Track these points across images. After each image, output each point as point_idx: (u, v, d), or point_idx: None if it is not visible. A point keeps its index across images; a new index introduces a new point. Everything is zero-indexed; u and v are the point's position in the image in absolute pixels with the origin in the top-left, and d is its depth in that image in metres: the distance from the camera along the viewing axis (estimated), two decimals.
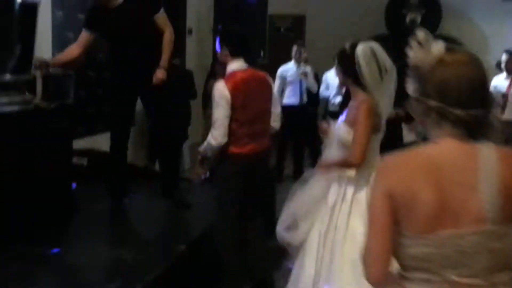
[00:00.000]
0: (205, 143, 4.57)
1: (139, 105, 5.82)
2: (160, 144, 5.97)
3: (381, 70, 3.76)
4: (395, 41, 11.16)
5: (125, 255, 4.44)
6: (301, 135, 9.18)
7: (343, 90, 7.52)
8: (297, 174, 8.77)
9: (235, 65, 4.63)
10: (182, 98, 8.29)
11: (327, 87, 9.33)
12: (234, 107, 4.47)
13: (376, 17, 12.42)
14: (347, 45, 3.94)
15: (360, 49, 3.77)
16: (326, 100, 9.35)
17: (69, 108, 4.98)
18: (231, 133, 4.49)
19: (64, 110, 4.93)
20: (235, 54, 4.63)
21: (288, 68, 9.15)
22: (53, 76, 4.91)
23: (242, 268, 4.68)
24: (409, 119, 5.39)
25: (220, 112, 4.44)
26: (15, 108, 4.48)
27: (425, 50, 1.90)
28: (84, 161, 6.42)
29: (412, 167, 1.89)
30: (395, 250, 1.92)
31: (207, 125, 8.09)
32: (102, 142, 6.75)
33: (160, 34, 5.48)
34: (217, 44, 4.72)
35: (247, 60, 4.72)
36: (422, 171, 1.86)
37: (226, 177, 4.62)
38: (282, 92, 8.95)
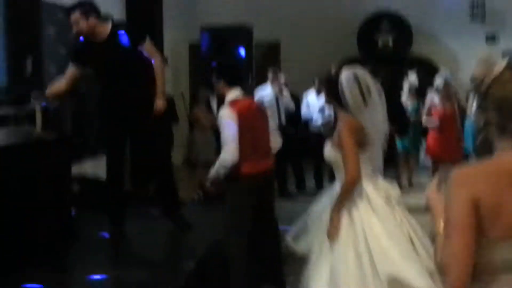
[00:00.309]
0: (217, 164, 4.76)
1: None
2: (156, 169, 5.97)
3: (363, 95, 3.94)
4: (368, 64, 11.51)
5: (134, 277, 4.47)
6: (282, 155, 9.30)
7: (330, 110, 7.68)
8: (282, 192, 9.05)
9: (234, 94, 4.92)
10: (167, 123, 8.41)
11: (308, 107, 9.52)
12: (241, 130, 4.74)
13: (349, 40, 12.71)
14: (332, 70, 4.14)
15: (344, 74, 3.98)
16: (307, 120, 9.52)
17: (67, 138, 5.04)
18: (240, 155, 4.73)
19: (63, 140, 4.98)
20: (232, 85, 4.92)
21: (265, 92, 9.29)
22: (51, 108, 4.97)
23: (253, 281, 4.78)
24: (400, 131, 5.57)
25: (230, 131, 4.70)
26: (16, 140, 4.51)
27: (488, 67, 2.04)
28: (76, 188, 6.44)
29: (495, 176, 1.98)
30: (477, 255, 1.97)
31: (192, 147, 8.23)
32: (88, 168, 6.80)
33: (146, 63, 5.57)
34: (214, 77, 4.98)
35: (242, 89, 5.03)
36: (504, 179, 1.96)
37: (241, 194, 4.82)
38: None
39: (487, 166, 2.03)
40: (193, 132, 8.56)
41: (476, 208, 1.94)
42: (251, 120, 4.84)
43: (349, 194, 3.85)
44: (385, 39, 12.69)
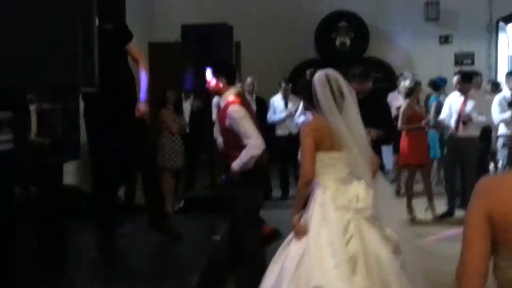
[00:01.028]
0: (243, 158, 4.85)
1: (83, 137, 5.74)
2: (143, 178, 5.86)
3: (335, 96, 3.96)
4: (325, 64, 11.52)
5: None
6: None
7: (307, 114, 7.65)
8: None
9: (233, 91, 5.07)
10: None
11: (274, 112, 9.49)
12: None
13: (307, 41, 12.75)
14: (307, 73, 4.18)
15: (316, 76, 4.02)
16: (274, 124, 9.49)
17: (59, 142, 4.87)
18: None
19: (55, 145, 4.81)
20: (231, 83, 5.08)
21: None
22: (45, 111, 4.79)
23: None
24: (387, 140, 5.60)
25: (250, 123, 4.87)
26: (10, 146, 4.33)
27: None
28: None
29: (510, 189, 1.93)
30: (492, 272, 1.96)
31: (158, 153, 8.06)
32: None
33: (127, 67, 5.45)
34: (211, 75, 5.07)
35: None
36: None
37: (256, 183, 5.09)
38: None
39: (507, 177, 2.00)
40: (160, 137, 8.38)
41: (489, 222, 1.93)
42: (251, 113, 5.09)
43: (302, 193, 3.94)
44: (343, 40, 12.78)
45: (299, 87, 4.29)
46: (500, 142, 8.42)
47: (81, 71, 2.46)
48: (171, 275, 4.78)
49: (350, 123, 4.00)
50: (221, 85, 5.04)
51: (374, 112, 5.36)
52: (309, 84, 4.03)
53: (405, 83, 8.59)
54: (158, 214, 5.70)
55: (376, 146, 5.40)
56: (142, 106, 5.39)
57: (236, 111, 4.87)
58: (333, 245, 3.70)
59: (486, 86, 10.08)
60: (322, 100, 3.95)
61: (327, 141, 3.94)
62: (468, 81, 8.08)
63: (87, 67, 2.80)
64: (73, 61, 2.46)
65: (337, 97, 3.95)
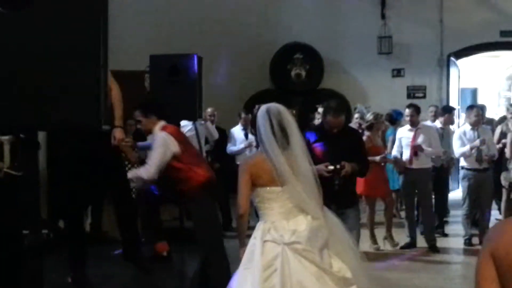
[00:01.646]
0: (135, 173, 5.37)
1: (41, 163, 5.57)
2: (118, 209, 5.65)
3: (274, 130, 3.94)
4: (280, 95, 11.67)
5: None
6: None
7: None
8: None
9: (162, 123, 5.50)
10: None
11: (234, 142, 9.44)
12: (183, 142, 5.44)
13: (262, 73, 12.83)
14: (256, 107, 4.28)
15: (259, 110, 4.05)
16: (234, 155, 9.44)
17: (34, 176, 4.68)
18: (188, 175, 5.27)
19: (29, 178, 4.63)
20: (161, 117, 5.55)
21: (185, 124, 9.07)
22: (18, 141, 4.60)
23: None
24: (361, 173, 5.62)
25: (160, 155, 5.24)
26: None
27: None
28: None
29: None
30: None
31: None
32: None
33: None
34: (140, 114, 5.55)
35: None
36: None
37: (207, 201, 5.41)
38: None
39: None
40: None
41: (495, 264, 1.99)
42: (183, 136, 5.59)
43: (239, 226, 4.09)
44: (298, 71, 12.90)
45: (251, 122, 4.45)
46: (461, 174, 8.59)
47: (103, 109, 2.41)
48: None
49: (295, 158, 3.98)
50: (151, 123, 5.43)
51: (349, 145, 5.39)
52: (255, 118, 4.07)
53: (361, 115, 8.71)
54: (132, 246, 5.56)
55: (351, 179, 5.43)
56: (118, 132, 5.28)
57: (159, 137, 5.31)
58: (255, 279, 3.73)
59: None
60: (263, 135, 3.95)
61: (266, 176, 3.93)
62: (418, 113, 8.31)
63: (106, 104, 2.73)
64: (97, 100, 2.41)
65: (277, 131, 3.93)
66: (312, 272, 3.74)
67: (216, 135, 9.39)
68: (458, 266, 7.67)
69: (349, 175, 5.28)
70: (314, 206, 3.96)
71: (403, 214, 9.92)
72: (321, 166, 5.03)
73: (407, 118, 8.34)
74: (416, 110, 8.35)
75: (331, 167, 5.16)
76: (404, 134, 8.34)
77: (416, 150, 8.09)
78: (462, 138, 8.30)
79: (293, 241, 3.78)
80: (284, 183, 3.91)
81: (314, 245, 3.81)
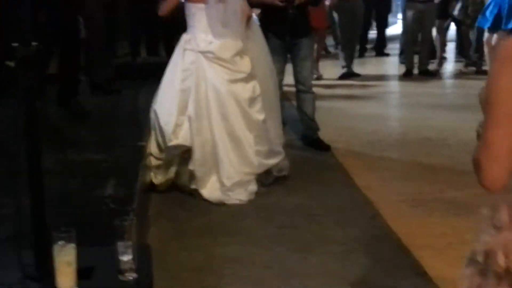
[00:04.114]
0: None
1: None
2: (62, 48, 5.08)
3: None
4: None
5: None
6: None
7: None
8: None
9: None
10: None
11: None
12: None
13: None
14: None
15: None
16: None
17: None
18: None
19: None
20: None
21: None
22: None
23: None
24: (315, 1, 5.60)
25: None
26: None
27: None
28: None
29: None
30: None
31: None
32: None
33: None
34: None
35: None
36: None
37: None
38: None
39: None
40: None
41: None
42: None
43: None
44: None
45: None
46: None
47: None
48: None
49: None
50: None
51: None
52: None
53: None
54: (68, 88, 5.10)
55: (304, 8, 5.34)
56: None
57: None
58: (172, 81, 4.37)
59: None
60: None
61: None
62: None
63: None
64: None
65: None
66: (225, 77, 4.32)
67: None
68: None
69: (303, 4, 5.20)
70: (236, 23, 4.37)
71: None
72: None
73: None
74: None
75: None
76: None
77: None
78: None
79: (208, 50, 4.30)
80: (208, 1, 4.27)
81: (226, 54, 4.33)
